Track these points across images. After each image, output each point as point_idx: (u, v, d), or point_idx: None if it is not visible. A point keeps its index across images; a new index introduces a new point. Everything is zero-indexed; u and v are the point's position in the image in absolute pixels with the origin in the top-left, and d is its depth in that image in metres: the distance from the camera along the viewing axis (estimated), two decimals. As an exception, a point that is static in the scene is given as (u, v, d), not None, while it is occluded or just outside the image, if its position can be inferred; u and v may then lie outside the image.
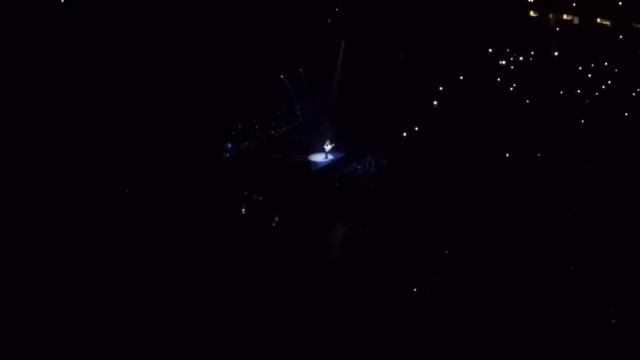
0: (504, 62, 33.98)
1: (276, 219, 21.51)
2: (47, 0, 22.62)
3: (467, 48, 32.53)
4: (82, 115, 21.94)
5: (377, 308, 15.52)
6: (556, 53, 34.11)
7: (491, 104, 30.08)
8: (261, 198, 22.95)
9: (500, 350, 14.32)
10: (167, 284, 16.33)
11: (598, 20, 35.36)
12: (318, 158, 27.80)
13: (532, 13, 36.12)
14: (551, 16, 36.32)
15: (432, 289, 16.85)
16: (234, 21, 25.64)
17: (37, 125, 21.18)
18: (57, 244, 17.36)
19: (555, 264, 17.75)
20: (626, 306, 15.93)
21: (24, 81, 21.06)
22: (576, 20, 35.82)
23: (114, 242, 17.90)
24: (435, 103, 30.74)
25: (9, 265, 16.11)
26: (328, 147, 27.73)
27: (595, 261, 17.88)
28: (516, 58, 34.22)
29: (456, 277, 17.26)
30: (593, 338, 14.83)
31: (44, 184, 19.61)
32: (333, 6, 30.83)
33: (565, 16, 36.07)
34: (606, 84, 31.99)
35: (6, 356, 13.57)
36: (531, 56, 34.16)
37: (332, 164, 27.48)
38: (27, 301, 15.11)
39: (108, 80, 22.49)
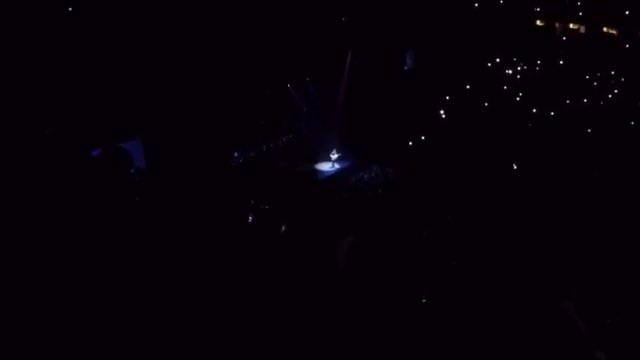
0: (510, 71, 34.03)
1: (283, 228, 21.49)
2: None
3: (473, 57, 32.56)
4: (88, 122, 21.95)
5: (384, 318, 15.45)
6: (562, 62, 34.14)
7: (497, 113, 30.09)
8: (268, 207, 22.95)
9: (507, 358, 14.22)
10: (173, 291, 16.29)
11: (605, 29, 35.38)
12: (324, 167, 27.83)
13: (538, 22, 36.15)
14: (557, 25, 36.36)
15: (439, 299, 16.76)
16: (241, 30, 25.68)
17: (45, 131, 21.20)
18: (62, 250, 17.35)
19: (562, 273, 17.65)
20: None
21: (25, 83, 21.02)
22: (582, 29, 35.85)
23: (120, 250, 17.87)
24: (441, 112, 30.77)
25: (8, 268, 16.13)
26: (334, 156, 27.76)
27: (601, 270, 17.78)
28: (522, 67, 34.26)
29: (464, 287, 17.17)
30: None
31: (50, 191, 19.59)
32: (340, 15, 30.86)
33: (572, 25, 36.11)
34: (613, 93, 31.98)
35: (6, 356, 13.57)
36: (537, 65, 34.19)
37: (338, 173, 27.50)
38: (25, 303, 15.09)
39: (113, 87, 22.48)
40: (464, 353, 14.46)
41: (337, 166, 27.75)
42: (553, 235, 19.84)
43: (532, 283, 17.21)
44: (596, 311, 16.12)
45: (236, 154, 26.80)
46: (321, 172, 27.42)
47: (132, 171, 22.80)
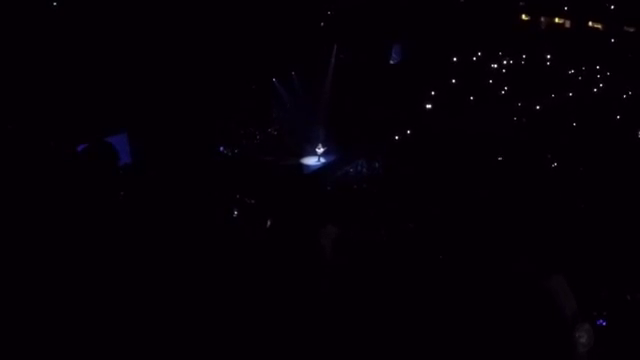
0: (496, 65, 34.06)
1: (268, 222, 21.34)
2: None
3: (459, 51, 32.57)
4: (74, 117, 21.75)
5: (371, 311, 15.32)
6: (548, 56, 34.21)
7: (483, 107, 30.11)
8: (253, 201, 22.82)
9: (499, 354, 14.15)
10: (158, 288, 16.08)
11: (590, 23, 35.49)
12: (310, 161, 27.72)
13: (524, 16, 36.22)
14: (543, 19, 36.44)
15: (427, 292, 16.67)
16: (226, 24, 25.52)
17: (32, 128, 20.95)
18: (46, 248, 17.11)
19: (550, 266, 17.62)
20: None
21: (11, 79, 20.78)
22: (568, 23, 35.94)
23: (105, 246, 17.65)
24: (427, 106, 30.74)
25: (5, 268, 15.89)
26: (320, 150, 27.65)
27: (591, 263, 17.78)
28: (508, 61, 34.31)
29: (450, 279, 17.10)
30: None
31: (34, 186, 19.34)
32: (325, 9, 30.74)
33: (557, 19, 36.20)
34: (597, 87, 32.10)
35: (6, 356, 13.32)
36: (523, 59, 34.25)
37: (324, 167, 27.40)
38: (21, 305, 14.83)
39: (99, 81, 22.29)
40: (454, 345, 14.41)
41: (323, 160, 27.65)
42: (540, 225, 19.85)
43: (521, 264, 17.19)
44: (589, 286, 16.09)
45: (222, 148, 26.63)
46: (307, 166, 27.29)
47: (118, 166, 22.60)
